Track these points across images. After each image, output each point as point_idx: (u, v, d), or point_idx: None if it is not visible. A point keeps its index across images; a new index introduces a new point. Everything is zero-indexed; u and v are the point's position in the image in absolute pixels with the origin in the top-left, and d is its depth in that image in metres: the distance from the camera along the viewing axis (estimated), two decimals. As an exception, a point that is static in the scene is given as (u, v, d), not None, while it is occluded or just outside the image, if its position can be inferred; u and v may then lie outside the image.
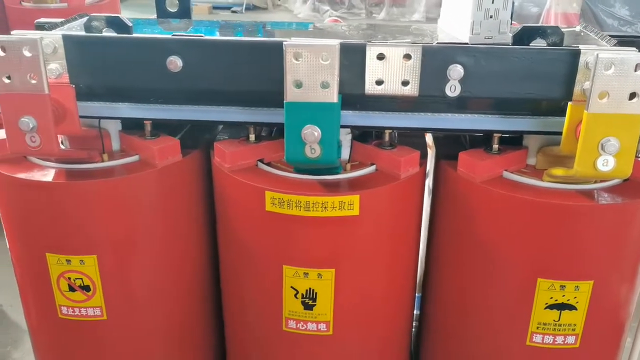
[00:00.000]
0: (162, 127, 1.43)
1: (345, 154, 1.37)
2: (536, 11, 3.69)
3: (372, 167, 1.38)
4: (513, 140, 1.41)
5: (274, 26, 1.89)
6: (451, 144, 1.47)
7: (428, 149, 1.52)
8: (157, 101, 1.30)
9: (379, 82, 1.19)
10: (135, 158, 1.40)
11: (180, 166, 1.41)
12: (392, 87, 1.19)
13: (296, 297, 1.37)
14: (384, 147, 1.38)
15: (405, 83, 1.19)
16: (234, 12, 8.94)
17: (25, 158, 1.39)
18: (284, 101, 1.14)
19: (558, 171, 1.24)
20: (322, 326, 1.40)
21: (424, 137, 1.56)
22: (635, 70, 1.07)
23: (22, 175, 1.31)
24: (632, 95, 1.08)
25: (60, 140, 1.41)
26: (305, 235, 1.31)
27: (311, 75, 1.12)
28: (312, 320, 1.39)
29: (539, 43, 1.27)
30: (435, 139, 1.57)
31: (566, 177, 1.23)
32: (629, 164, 1.13)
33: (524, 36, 1.26)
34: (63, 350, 1.52)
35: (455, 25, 1.47)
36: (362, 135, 1.44)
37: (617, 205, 1.25)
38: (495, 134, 1.34)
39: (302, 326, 1.40)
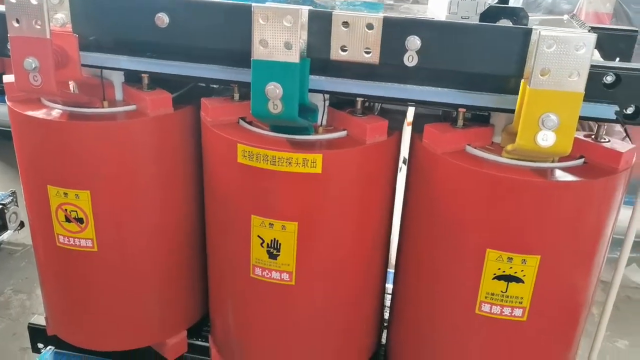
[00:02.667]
0: (164, 84, 1.57)
1: (319, 118, 1.48)
2: (568, 8, 3.62)
3: (343, 132, 1.47)
4: (484, 119, 1.47)
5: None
6: (431, 121, 1.54)
7: (406, 123, 1.61)
8: (151, 55, 1.45)
9: (344, 49, 1.28)
10: (132, 107, 1.55)
11: (172, 118, 1.55)
12: (355, 54, 1.28)
13: (262, 246, 1.48)
14: (356, 114, 1.47)
15: (367, 51, 1.27)
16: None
17: (39, 100, 1.57)
18: (251, 59, 1.26)
19: (510, 146, 1.30)
20: (285, 276, 1.51)
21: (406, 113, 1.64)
22: (577, 50, 1.11)
23: (29, 113, 1.48)
24: (572, 74, 1.13)
25: (71, 87, 1.59)
26: (271, 188, 1.42)
27: (275, 36, 1.22)
28: (276, 269, 1.50)
29: (505, 23, 1.32)
30: (416, 116, 1.65)
31: (514, 152, 1.29)
32: (568, 141, 1.18)
33: (490, 15, 1.31)
34: (59, 276, 1.70)
35: (439, 5, 1.55)
36: (340, 103, 1.53)
37: (566, 184, 1.29)
38: (460, 109, 1.41)
39: (267, 274, 1.52)
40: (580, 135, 1.41)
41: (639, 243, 3.31)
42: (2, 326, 2.44)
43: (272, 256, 1.49)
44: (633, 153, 1.38)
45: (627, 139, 1.43)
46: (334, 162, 1.39)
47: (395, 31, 1.24)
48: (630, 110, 1.26)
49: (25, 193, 1.65)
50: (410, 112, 1.72)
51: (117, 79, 1.58)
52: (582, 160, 1.37)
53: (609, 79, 1.23)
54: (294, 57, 1.23)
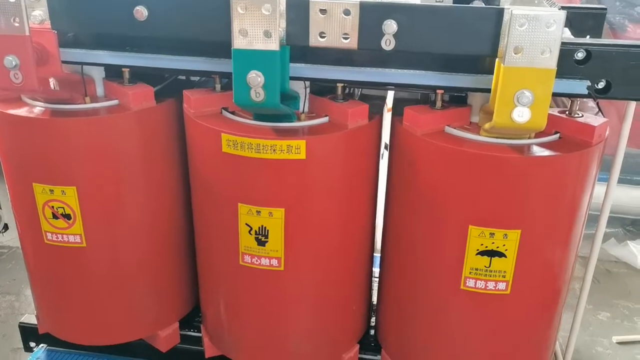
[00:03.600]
0: (145, 78, 1.58)
1: (300, 105, 1.50)
2: (539, -10, 3.67)
3: (325, 118, 1.50)
4: (461, 100, 1.50)
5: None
6: (410, 104, 1.57)
7: (386, 109, 1.64)
8: (131, 50, 1.46)
9: (322, 35, 1.30)
10: (114, 102, 1.56)
11: (155, 111, 1.57)
12: (334, 40, 1.30)
13: (250, 234, 1.51)
14: (337, 100, 1.49)
15: (345, 37, 1.30)
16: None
17: (20, 99, 1.57)
18: (232, 48, 1.27)
19: (487, 125, 1.34)
20: (274, 262, 1.53)
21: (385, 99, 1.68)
22: (548, 27, 1.15)
23: (12, 112, 1.48)
24: (544, 51, 1.17)
25: (52, 84, 1.59)
26: (257, 176, 1.45)
27: (255, 25, 1.24)
28: (265, 256, 1.53)
29: (478, 4, 1.36)
30: (395, 100, 1.68)
31: (492, 130, 1.33)
32: (543, 116, 1.22)
33: (464, -3, 1.35)
34: (49, 274, 1.71)
35: (415, -10, 1.57)
36: (321, 90, 1.55)
37: (542, 158, 1.34)
38: (438, 91, 1.44)
39: (256, 261, 1.54)
40: (555, 111, 1.45)
41: (615, 218, 3.41)
42: (-9, 328, 2.43)
43: (261, 243, 1.51)
44: (606, 127, 1.43)
45: (600, 113, 1.48)
46: (317, 148, 1.42)
47: (372, 16, 1.26)
48: (601, 85, 1.30)
49: (10, 193, 1.66)
50: (390, 97, 1.75)
51: (98, 74, 1.58)
52: (557, 135, 1.42)
53: (580, 55, 1.27)
54: (273, 45, 1.26)
